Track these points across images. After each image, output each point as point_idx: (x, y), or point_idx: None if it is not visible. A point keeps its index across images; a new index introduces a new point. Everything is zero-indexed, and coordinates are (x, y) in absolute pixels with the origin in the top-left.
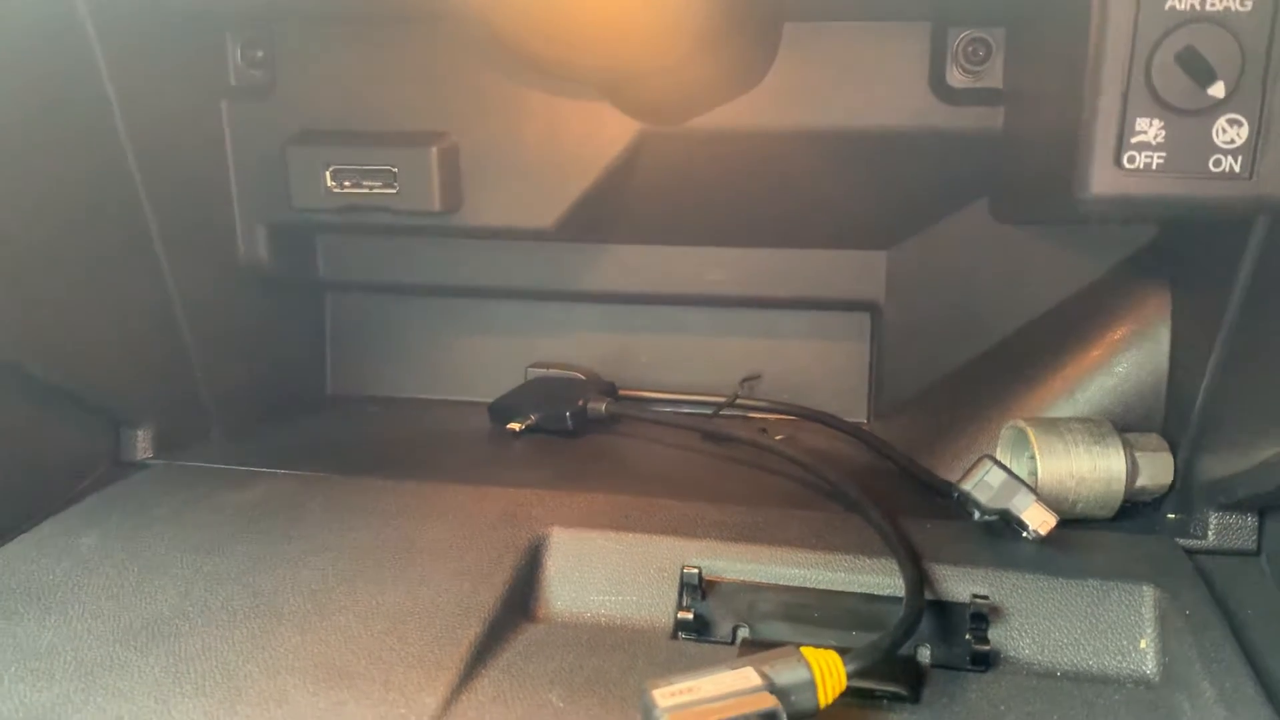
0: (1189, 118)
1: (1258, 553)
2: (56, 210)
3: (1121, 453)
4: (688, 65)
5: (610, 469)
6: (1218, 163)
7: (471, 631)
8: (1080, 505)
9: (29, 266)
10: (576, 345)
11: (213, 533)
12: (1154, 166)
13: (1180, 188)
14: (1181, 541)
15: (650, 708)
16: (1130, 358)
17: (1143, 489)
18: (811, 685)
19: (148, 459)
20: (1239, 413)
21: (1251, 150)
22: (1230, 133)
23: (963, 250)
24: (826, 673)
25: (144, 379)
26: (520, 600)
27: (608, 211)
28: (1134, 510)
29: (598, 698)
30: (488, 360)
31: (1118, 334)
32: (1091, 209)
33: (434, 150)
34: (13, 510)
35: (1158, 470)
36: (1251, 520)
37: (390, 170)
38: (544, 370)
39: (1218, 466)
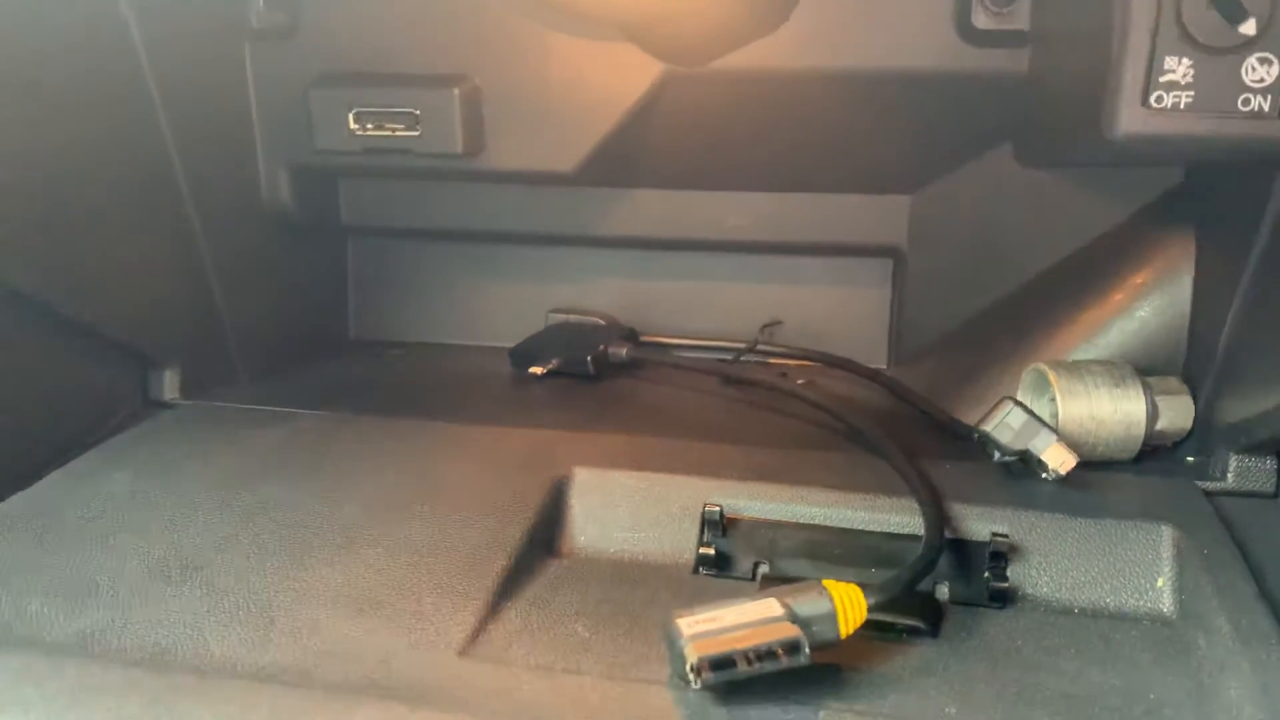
0: (1218, 56)
1: (1276, 494)
2: (81, 153)
3: (1142, 396)
4: (715, 5)
5: (632, 412)
6: (1246, 102)
7: (498, 564)
8: (1100, 448)
9: (56, 208)
10: (598, 291)
11: (241, 470)
12: (1182, 106)
13: (1208, 127)
14: (1200, 484)
15: (675, 636)
16: (1152, 302)
17: (1162, 432)
18: (833, 616)
19: (175, 399)
20: (1260, 356)
21: None
22: (1260, 71)
23: (987, 195)
24: (848, 605)
25: (170, 320)
26: (545, 537)
27: (629, 155)
28: (1154, 453)
29: (622, 628)
30: (509, 305)
31: (1140, 278)
32: (1119, 149)
33: (456, 92)
34: (45, 447)
35: (1178, 413)
36: (1270, 463)
37: (413, 113)
38: (565, 315)
39: (1237, 409)
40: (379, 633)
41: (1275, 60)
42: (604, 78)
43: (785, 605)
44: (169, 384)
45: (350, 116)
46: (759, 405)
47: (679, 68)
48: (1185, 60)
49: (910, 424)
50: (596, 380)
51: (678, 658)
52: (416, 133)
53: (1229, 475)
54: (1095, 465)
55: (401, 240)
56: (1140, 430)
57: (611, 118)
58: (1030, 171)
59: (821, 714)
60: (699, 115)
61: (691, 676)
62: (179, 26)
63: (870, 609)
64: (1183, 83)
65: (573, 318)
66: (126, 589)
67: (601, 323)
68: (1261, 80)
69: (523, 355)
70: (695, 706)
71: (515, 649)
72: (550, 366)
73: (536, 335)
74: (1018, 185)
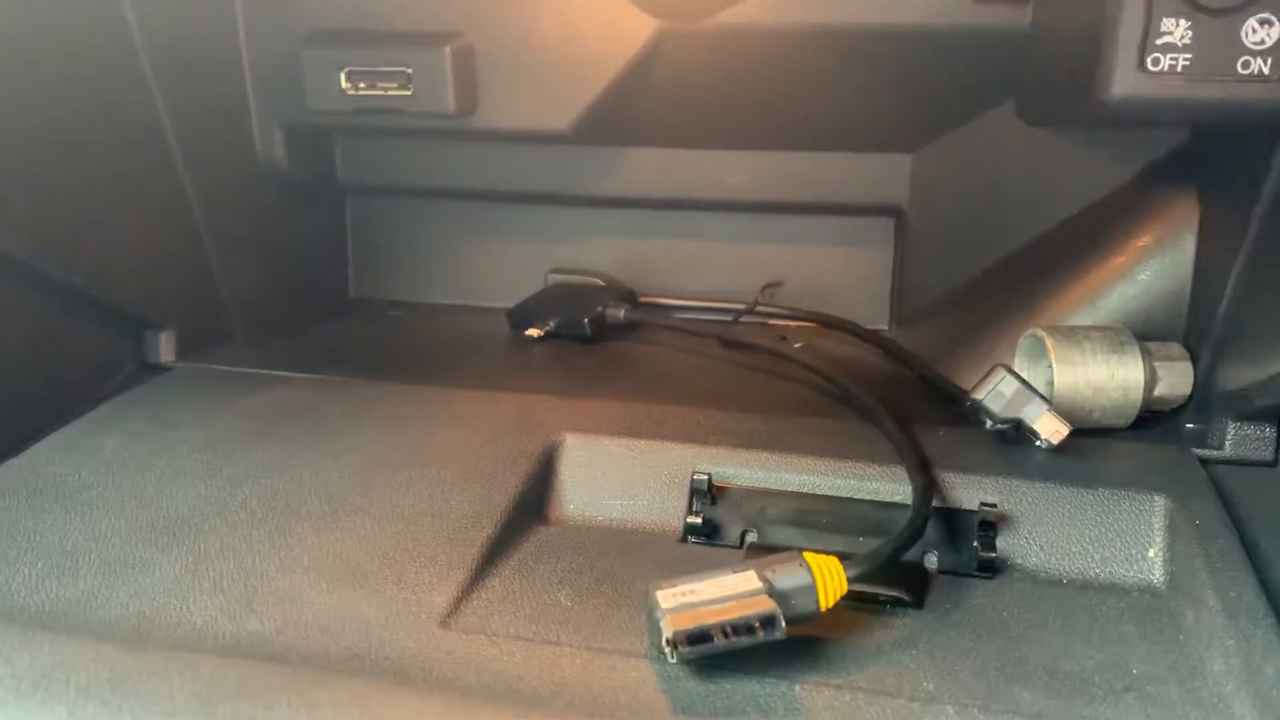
0: (1217, 17)
1: (1274, 463)
2: (71, 113)
3: (1140, 362)
4: None
5: (626, 375)
6: (1246, 64)
7: (484, 532)
8: (1097, 414)
9: (45, 169)
10: (598, 250)
11: (233, 435)
12: (1179, 68)
13: (1207, 91)
14: (1199, 451)
15: (653, 608)
16: (1154, 266)
17: (1161, 398)
18: (812, 589)
19: (171, 362)
20: (1260, 323)
21: None
22: (1261, 33)
23: (989, 153)
24: (827, 577)
25: (165, 282)
26: (533, 503)
27: (627, 114)
28: (1154, 419)
29: (605, 598)
30: (508, 265)
31: (1142, 241)
32: (1114, 112)
33: (448, 50)
34: (41, 410)
35: (1177, 380)
36: (1269, 431)
37: (405, 71)
38: (564, 276)
39: (1237, 376)
40: (361, 603)
41: (1276, 21)
42: (598, 35)
43: (764, 578)
44: (165, 346)
45: (342, 76)
46: (755, 369)
47: (674, 24)
48: (1183, 21)
49: (908, 387)
50: (594, 342)
51: (655, 630)
52: (409, 92)
53: (1227, 443)
54: (1092, 432)
55: (401, 199)
56: (1137, 397)
57: (606, 76)
58: (1033, 130)
59: (798, 687)
60: (696, 73)
61: (668, 650)
62: None
63: (850, 581)
64: (1180, 45)
65: (572, 278)
66: (114, 556)
67: (600, 283)
68: (1262, 42)
69: (521, 316)
70: (671, 679)
71: (497, 619)
72: (547, 329)
73: (535, 296)
74: (1020, 144)
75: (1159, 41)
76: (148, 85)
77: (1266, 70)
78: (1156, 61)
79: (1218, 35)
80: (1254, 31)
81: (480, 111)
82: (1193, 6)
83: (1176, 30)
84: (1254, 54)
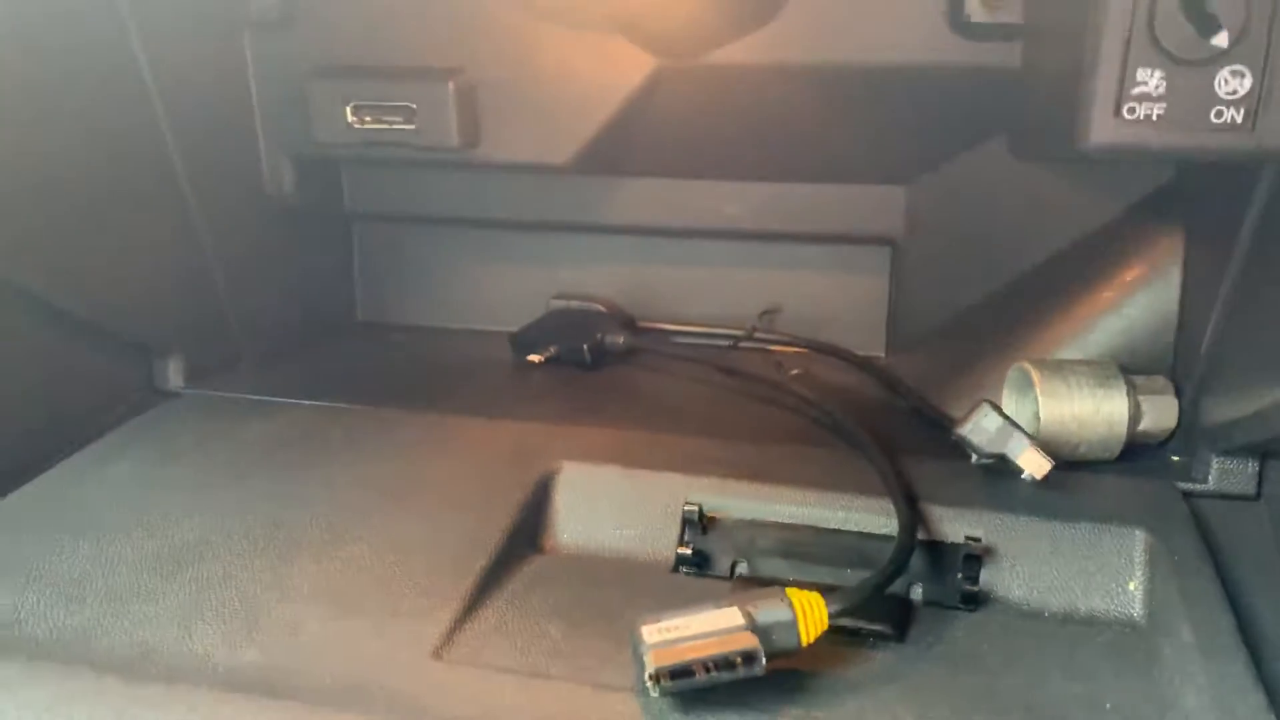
0: (1191, 68)
1: (1257, 497)
2: (79, 143)
3: (1125, 395)
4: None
5: (624, 403)
6: (1219, 114)
7: (479, 563)
8: (1083, 447)
9: (55, 203)
10: (600, 276)
11: (237, 464)
12: (1154, 117)
13: (1181, 139)
14: (1183, 485)
15: (638, 643)
16: (1141, 300)
17: (1146, 432)
18: (793, 625)
19: (179, 388)
20: (1244, 357)
21: (1255, 101)
22: (1233, 84)
23: (981, 186)
24: (809, 612)
25: (172, 310)
26: (529, 533)
27: (625, 147)
28: (1140, 452)
29: (595, 630)
30: (512, 290)
31: (1130, 275)
32: (1093, 157)
33: (451, 86)
34: (49, 438)
35: (1162, 413)
36: (1253, 465)
37: (409, 106)
38: (566, 301)
39: (1221, 410)
40: (356, 634)
41: (1248, 72)
42: (597, 71)
43: (747, 614)
44: (173, 373)
45: (348, 110)
46: (751, 396)
47: (671, 61)
48: (1158, 72)
49: (900, 416)
50: (594, 368)
51: (640, 665)
52: (413, 126)
53: (1211, 477)
54: (1078, 465)
55: (407, 226)
56: (1122, 430)
57: (605, 111)
58: (1024, 165)
59: None
60: (694, 108)
61: (650, 684)
62: (176, 14)
63: (832, 616)
64: (1155, 94)
65: (573, 304)
66: (120, 584)
67: (601, 309)
68: (1235, 92)
69: (522, 341)
70: (656, 713)
71: (488, 651)
72: (548, 354)
73: (537, 321)
74: (1012, 178)
75: (1134, 91)
76: (156, 116)
77: (1239, 119)
78: (1132, 110)
79: (1191, 86)
80: (1226, 82)
81: (483, 146)
82: (1167, 58)
83: (1151, 80)
84: (1226, 104)
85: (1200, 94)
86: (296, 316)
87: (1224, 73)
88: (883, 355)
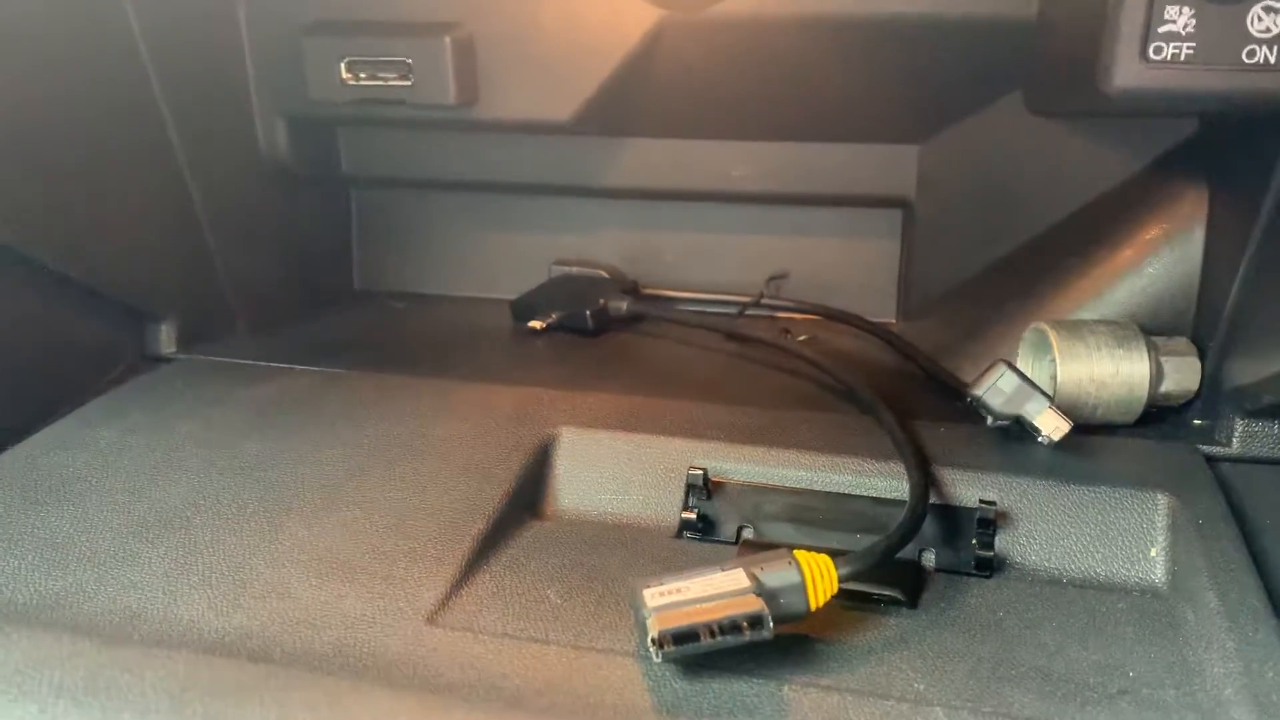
0: (1222, 5)
1: None
2: (70, 105)
3: (1146, 357)
4: None
5: (627, 369)
6: (1252, 53)
7: (476, 528)
8: (1101, 410)
9: (44, 160)
10: (603, 241)
11: (229, 428)
12: (1183, 58)
13: (1211, 81)
14: (1206, 448)
15: (640, 606)
16: (1162, 259)
17: (1167, 394)
18: (801, 588)
19: (173, 353)
20: (1269, 317)
21: None
22: (1266, 20)
23: (997, 144)
24: (818, 576)
25: (166, 274)
26: (528, 498)
27: (629, 104)
28: (1160, 415)
29: (594, 595)
30: (512, 256)
31: (1151, 233)
32: (1117, 103)
33: (448, 40)
34: (40, 402)
35: (1184, 375)
36: (1278, 428)
37: (405, 62)
38: (567, 267)
39: (1246, 372)
40: (349, 598)
41: None
42: (599, 24)
43: (753, 576)
44: (166, 338)
45: (342, 66)
46: (758, 362)
47: (676, 14)
48: (1187, 9)
49: (912, 382)
50: (596, 335)
51: (642, 629)
52: (409, 82)
53: (1235, 440)
54: (1096, 428)
55: (406, 191)
56: (1143, 393)
57: (607, 66)
58: (1041, 120)
59: (785, 687)
60: (699, 64)
61: (653, 649)
62: None
63: (842, 579)
64: (1184, 33)
65: (575, 270)
66: (104, 549)
67: (604, 275)
68: (1268, 30)
69: (523, 308)
70: (658, 679)
71: (484, 616)
72: (549, 321)
73: (538, 288)
74: (1028, 134)
75: (1162, 30)
76: (147, 75)
77: (1273, 59)
78: (1159, 51)
79: (1222, 23)
80: (1259, 19)
81: (481, 102)
82: None
83: (1180, 18)
84: (1259, 42)
85: (1231, 32)
86: (293, 283)
87: (1257, 9)
88: (894, 321)
